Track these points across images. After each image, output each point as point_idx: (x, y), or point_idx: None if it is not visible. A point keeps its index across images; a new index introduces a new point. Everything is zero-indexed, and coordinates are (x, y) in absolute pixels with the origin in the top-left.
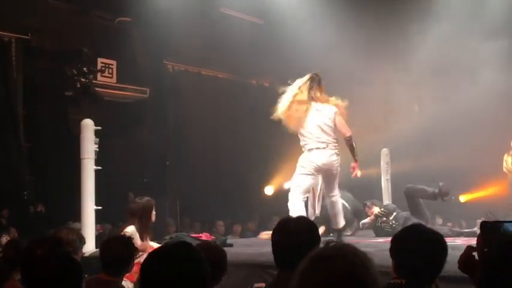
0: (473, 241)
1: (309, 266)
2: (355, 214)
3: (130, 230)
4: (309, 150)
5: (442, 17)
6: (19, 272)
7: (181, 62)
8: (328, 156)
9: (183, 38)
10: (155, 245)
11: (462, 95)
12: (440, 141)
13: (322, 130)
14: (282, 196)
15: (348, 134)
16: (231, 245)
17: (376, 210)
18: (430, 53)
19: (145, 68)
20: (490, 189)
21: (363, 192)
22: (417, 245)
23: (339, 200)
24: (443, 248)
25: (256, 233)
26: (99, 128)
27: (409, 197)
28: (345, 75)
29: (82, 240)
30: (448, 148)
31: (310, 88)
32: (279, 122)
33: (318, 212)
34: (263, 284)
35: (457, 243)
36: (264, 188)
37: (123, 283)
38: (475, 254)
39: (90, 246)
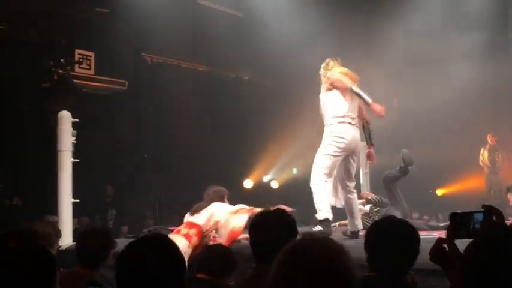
0: None
1: (285, 259)
2: None
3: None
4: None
5: (419, 11)
6: None
7: (160, 54)
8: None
9: (161, 30)
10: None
11: (439, 90)
12: (418, 135)
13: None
14: (261, 189)
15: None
16: None
17: (371, 197)
18: (409, 47)
19: (124, 60)
20: (467, 182)
21: None
22: (388, 238)
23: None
24: (414, 240)
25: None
26: (77, 120)
27: (386, 185)
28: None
29: (58, 234)
30: (426, 142)
31: None
32: (257, 115)
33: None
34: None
35: (434, 237)
36: (243, 181)
37: (179, 239)
38: (445, 245)
39: (67, 240)
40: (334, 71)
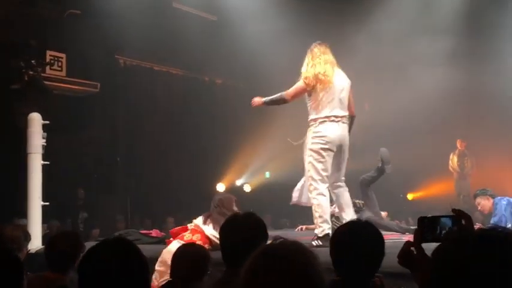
0: None
1: (255, 263)
2: None
3: None
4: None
5: (388, 15)
6: None
7: (133, 56)
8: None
9: (135, 33)
10: None
11: (409, 95)
12: (389, 140)
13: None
14: (234, 193)
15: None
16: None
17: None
18: (379, 52)
19: (96, 62)
20: (437, 187)
21: None
22: (351, 241)
23: None
24: (379, 242)
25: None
26: (47, 122)
27: (362, 189)
28: (297, 73)
29: (27, 237)
30: (396, 147)
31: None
32: (230, 119)
33: None
34: None
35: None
36: (215, 184)
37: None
38: (413, 249)
39: (36, 243)
40: (306, 72)
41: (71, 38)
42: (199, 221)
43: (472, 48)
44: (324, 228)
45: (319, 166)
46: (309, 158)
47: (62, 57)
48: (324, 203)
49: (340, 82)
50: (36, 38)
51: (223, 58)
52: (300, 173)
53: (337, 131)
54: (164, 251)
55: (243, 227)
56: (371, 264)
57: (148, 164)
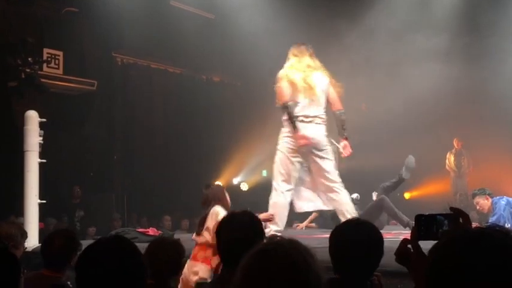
0: None
1: (250, 262)
2: None
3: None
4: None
5: (382, 13)
6: None
7: (131, 54)
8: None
9: (132, 31)
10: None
11: (405, 94)
12: (386, 140)
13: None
14: (231, 191)
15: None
16: (178, 240)
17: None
18: (374, 50)
19: (94, 60)
20: (434, 186)
21: None
22: (352, 240)
23: None
24: (378, 241)
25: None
26: (44, 120)
27: (378, 206)
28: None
29: (24, 235)
30: (393, 146)
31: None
32: (228, 118)
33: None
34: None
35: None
36: (213, 183)
37: (200, 266)
38: (410, 246)
39: (33, 241)
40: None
41: (68, 36)
42: (207, 235)
43: (468, 47)
44: (272, 228)
45: (283, 167)
46: (276, 157)
47: (59, 55)
48: (280, 203)
49: (315, 82)
50: (33, 36)
51: (220, 56)
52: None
53: (307, 132)
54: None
55: (239, 225)
56: (370, 263)
57: (145, 162)
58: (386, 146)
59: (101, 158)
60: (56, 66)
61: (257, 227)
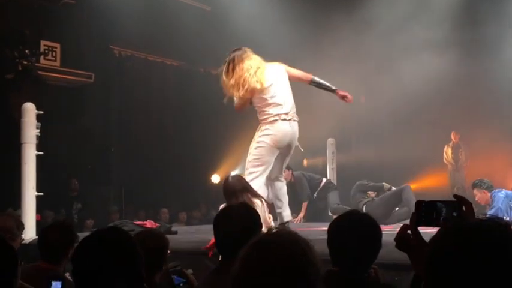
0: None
1: (249, 253)
2: None
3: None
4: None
5: (384, 5)
6: None
7: (128, 47)
8: None
9: (129, 23)
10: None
11: (402, 87)
12: (384, 132)
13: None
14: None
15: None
16: (175, 233)
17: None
18: (371, 43)
19: (91, 52)
20: (431, 179)
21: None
22: (350, 232)
23: None
24: (376, 234)
25: (201, 221)
26: (41, 112)
27: (398, 195)
28: (291, 64)
29: (20, 227)
30: (391, 140)
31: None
32: (225, 110)
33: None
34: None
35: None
36: (210, 176)
37: None
38: (409, 232)
39: (30, 234)
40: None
41: (65, 28)
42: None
43: (466, 39)
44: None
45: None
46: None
47: (56, 47)
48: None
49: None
50: (31, 28)
51: (218, 49)
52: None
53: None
54: None
55: (236, 217)
56: (368, 256)
57: (143, 155)
58: (384, 139)
59: (99, 151)
60: (53, 59)
61: (254, 219)
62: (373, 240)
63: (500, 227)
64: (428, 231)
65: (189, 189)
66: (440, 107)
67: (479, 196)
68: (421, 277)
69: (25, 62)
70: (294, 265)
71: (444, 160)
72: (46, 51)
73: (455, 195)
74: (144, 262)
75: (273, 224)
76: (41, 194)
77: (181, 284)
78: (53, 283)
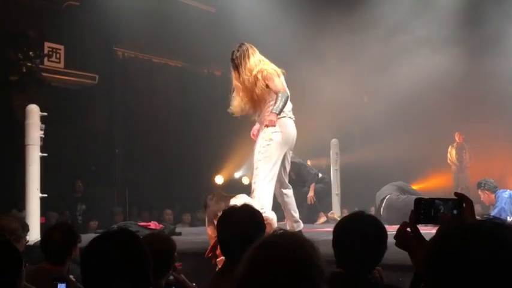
0: (423, 230)
1: (254, 255)
2: None
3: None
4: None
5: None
6: None
7: (132, 48)
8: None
9: (133, 25)
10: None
11: (410, 88)
12: (388, 133)
13: None
14: (232, 185)
15: None
16: (179, 234)
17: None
18: (375, 42)
19: (95, 54)
20: (435, 180)
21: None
22: (355, 234)
23: None
24: (382, 236)
25: (205, 222)
26: (45, 114)
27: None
28: (295, 65)
29: (25, 228)
30: (395, 140)
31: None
32: (229, 111)
33: None
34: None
35: None
36: (214, 177)
37: None
38: (409, 229)
39: (35, 235)
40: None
41: (69, 30)
42: None
43: (471, 40)
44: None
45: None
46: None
47: (60, 49)
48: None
49: None
50: (34, 30)
51: (222, 50)
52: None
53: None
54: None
55: (240, 219)
56: (373, 258)
57: (147, 156)
58: (388, 139)
59: (102, 152)
60: (57, 60)
61: (257, 220)
62: (378, 241)
63: (499, 228)
64: (426, 231)
65: (193, 190)
66: (444, 107)
67: (483, 197)
68: (421, 275)
69: (29, 64)
70: (298, 267)
71: (448, 161)
72: (50, 53)
73: (456, 193)
74: (152, 265)
75: (275, 222)
76: (45, 195)
77: None
78: (59, 285)
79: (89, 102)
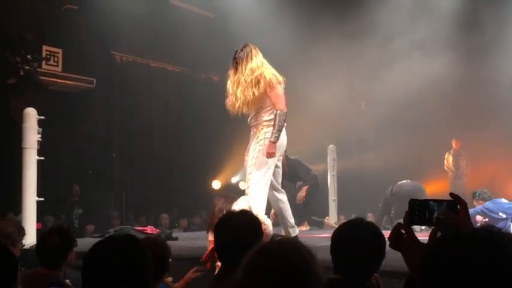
0: (420, 236)
1: (252, 261)
2: None
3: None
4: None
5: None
6: None
7: (130, 52)
8: None
9: (132, 29)
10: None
11: (407, 94)
12: (385, 139)
13: None
14: (230, 190)
15: None
16: (176, 239)
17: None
18: (375, 50)
19: (93, 57)
20: (432, 186)
21: None
22: (354, 241)
23: None
24: (380, 243)
25: (201, 227)
26: (43, 117)
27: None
28: (292, 71)
29: (21, 233)
30: (392, 146)
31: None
32: (226, 117)
33: None
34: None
35: None
36: (211, 182)
37: None
38: (403, 231)
39: (31, 239)
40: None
41: (67, 33)
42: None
43: (468, 45)
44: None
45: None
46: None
47: (58, 53)
48: None
49: None
50: (33, 33)
51: (220, 55)
52: None
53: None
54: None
55: (237, 225)
56: (371, 265)
57: (144, 161)
58: (385, 145)
59: (100, 156)
60: (55, 64)
61: (255, 226)
62: (377, 248)
63: (496, 236)
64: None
65: (190, 195)
66: (441, 113)
67: (477, 206)
68: (414, 278)
69: (27, 67)
70: (295, 273)
71: (445, 167)
72: (48, 57)
73: (451, 194)
74: (152, 271)
75: (271, 228)
76: (42, 199)
77: None
78: None
79: (86, 106)
